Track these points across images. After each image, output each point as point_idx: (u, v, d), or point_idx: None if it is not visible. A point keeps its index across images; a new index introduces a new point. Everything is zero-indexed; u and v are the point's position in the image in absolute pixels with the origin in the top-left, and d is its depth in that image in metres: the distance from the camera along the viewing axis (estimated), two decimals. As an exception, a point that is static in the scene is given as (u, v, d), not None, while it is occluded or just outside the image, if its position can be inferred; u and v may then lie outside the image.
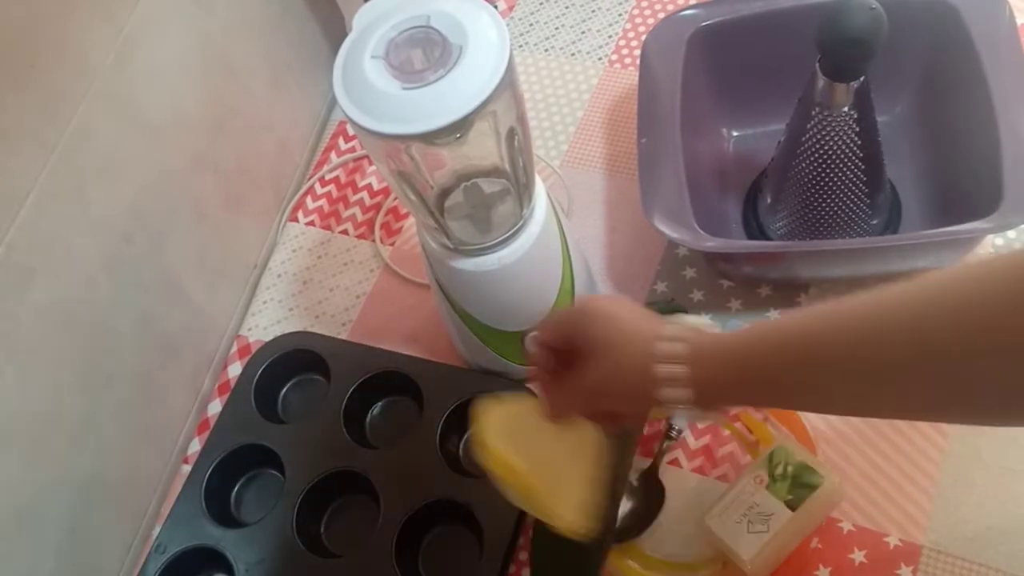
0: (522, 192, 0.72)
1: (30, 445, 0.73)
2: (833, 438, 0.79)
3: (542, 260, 0.77)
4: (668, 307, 0.86)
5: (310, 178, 1.05)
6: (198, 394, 0.93)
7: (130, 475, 0.85)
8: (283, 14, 1.02)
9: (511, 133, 0.68)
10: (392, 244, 0.98)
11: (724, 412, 0.59)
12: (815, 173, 0.77)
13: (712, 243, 0.78)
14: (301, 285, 0.98)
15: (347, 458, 0.82)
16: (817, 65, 0.72)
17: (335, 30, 1.10)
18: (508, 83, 0.62)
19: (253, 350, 0.91)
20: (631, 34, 1.06)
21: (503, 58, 0.61)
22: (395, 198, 1.00)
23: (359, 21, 0.65)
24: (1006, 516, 0.74)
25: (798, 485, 0.72)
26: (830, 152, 0.76)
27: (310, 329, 0.93)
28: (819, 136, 0.75)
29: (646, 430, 0.82)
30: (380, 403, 0.88)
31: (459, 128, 0.61)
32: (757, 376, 0.53)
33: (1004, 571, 0.71)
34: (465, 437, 0.83)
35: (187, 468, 0.86)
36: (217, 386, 0.93)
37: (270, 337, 0.92)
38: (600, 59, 1.05)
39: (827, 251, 0.81)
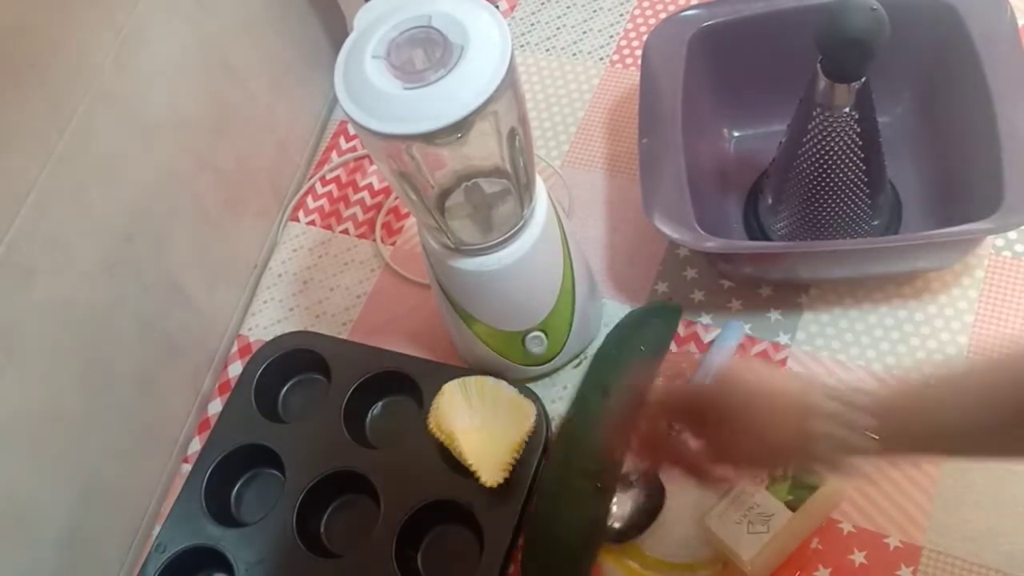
0: (523, 192, 0.72)
1: (30, 445, 0.73)
2: (833, 439, 0.79)
3: (543, 260, 0.77)
4: (668, 307, 0.86)
5: (311, 178, 1.05)
6: (198, 394, 0.93)
7: (130, 475, 0.85)
8: (284, 14, 1.02)
9: (512, 133, 0.68)
10: (393, 244, 0.98)
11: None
12: (816, 173, 0.77)
13: (713, 243, 0.78)
14: (302, 285, 0.98)
15: (347, 458, 0.82)
16: (818, 66, 0.72)
17: (336, 30, 1.10)
18: (509, 83, 0.62)
19: (253, 350, 0.91)
20: (632, 34, 1.06)
21: (504, 58, 0.61)
22: (396, 198, 1.00)
23: (360, 21, 0.65)
24: (1006, 516, 0.74)
25: (798, 486, 0.72)
26: (831, 153, 0.76)
27: (311, 329, 0.93)
28: (820, 137, 0.75)
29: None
30: (380, 403, 0.88)
31: (460, 128, 0.61)
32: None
33: (1004, 571, 0.71)
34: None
35: (187, 468, 0.86)
36: (217, 386, 0.93)
37: (270, 337, 0.92)
38: (601, 59, 1.05)
39: (828, 252, 0.81)
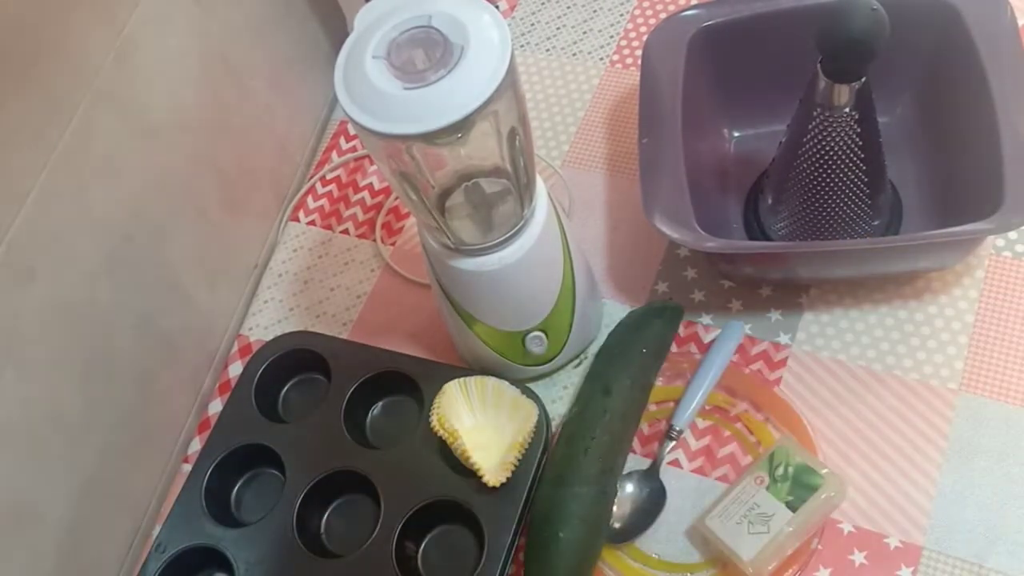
0: (523, 192, 0.72)
1: (30, 445, 0.73)
2: (834, 439, 0.79)
3: (543, 260, 0.77)
4: (669, 307, 0.86)
5: (311, 178, 1.05)
6: (198, 393, 0.93)
7: (130, 475, 0.85)
8: (284, 14, 1.02)
9: (512, 133, 0.68)
10: (393, 244, 0.98)
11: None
12: (816, 174, 0.77)
13: (713, 243, 0.78)
14: (302, 285, 0.98)
15: (347, 458, 0.82)
16: (818, 66, 0.72)
17: (336, 30, 1.10)
18: (509, 83, 0.62)
19: (254, 349, 0.91)
20: (632, 34, 1.06)
21: (504, 58, 0.61)
22: (396, 198, 1.00)
23: (360, 21, 0.65)
24: (1006, 516, 0.74)
25: (798, 486, 0.73)
26: (831, 153, 0.76)
27: (311, 329, 0.93)
28: (820, 137, 0.75)
29: (647, 430, 0.82)
30: (380, 403, 0.87)
31: (460, 128, 0.61)
32: None
33: (1004, 572, 0.71)
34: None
35: (187, 468, 0.86)
36: (217, 385, 0.93)
37: (271, 336, 0.92)
38: (601, 59, 1.05)
39: (828, 252, 0.81)
